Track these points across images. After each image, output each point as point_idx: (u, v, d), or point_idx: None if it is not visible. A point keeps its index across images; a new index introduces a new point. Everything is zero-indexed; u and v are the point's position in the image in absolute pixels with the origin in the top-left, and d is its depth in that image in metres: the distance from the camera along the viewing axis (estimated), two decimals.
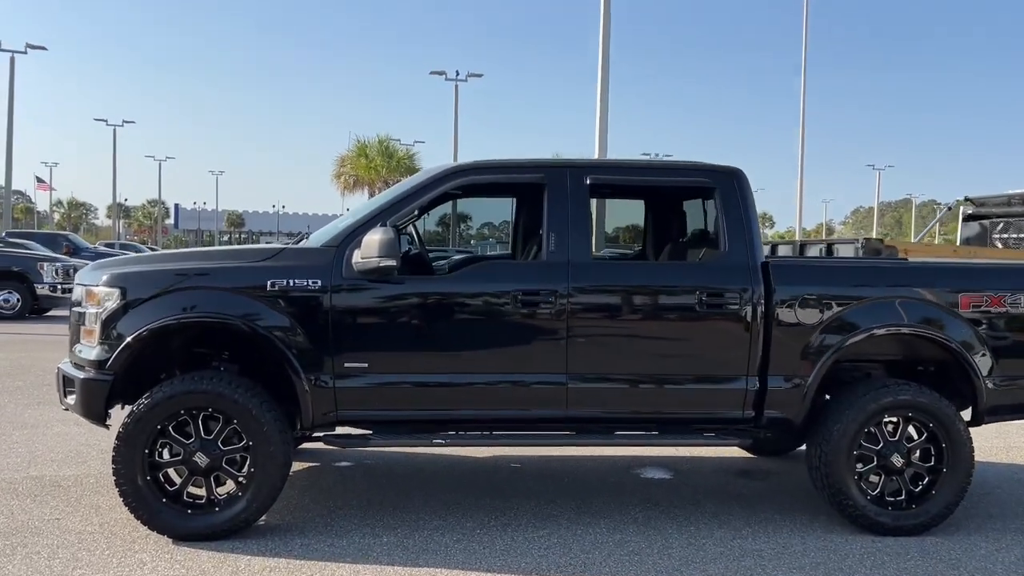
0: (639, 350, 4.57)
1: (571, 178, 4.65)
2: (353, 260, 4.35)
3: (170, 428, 4.27)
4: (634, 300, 4.58)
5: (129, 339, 4.25)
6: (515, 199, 6.34)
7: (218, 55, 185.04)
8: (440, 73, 39.32)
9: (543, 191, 4.64)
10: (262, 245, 5.38)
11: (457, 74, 39.25)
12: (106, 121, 52.62)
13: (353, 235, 4.45)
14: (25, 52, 33.47)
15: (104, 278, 4.41)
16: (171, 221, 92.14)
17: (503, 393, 4.47)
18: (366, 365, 4.39)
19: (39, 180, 66.35)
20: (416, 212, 4.83)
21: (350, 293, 4.37)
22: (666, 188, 5.38)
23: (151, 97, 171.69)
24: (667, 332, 4.58)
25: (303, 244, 4.80)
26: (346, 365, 4.37)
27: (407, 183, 4.82)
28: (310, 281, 4.34)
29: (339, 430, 4.59)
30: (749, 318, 4.53)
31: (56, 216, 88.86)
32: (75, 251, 25.32)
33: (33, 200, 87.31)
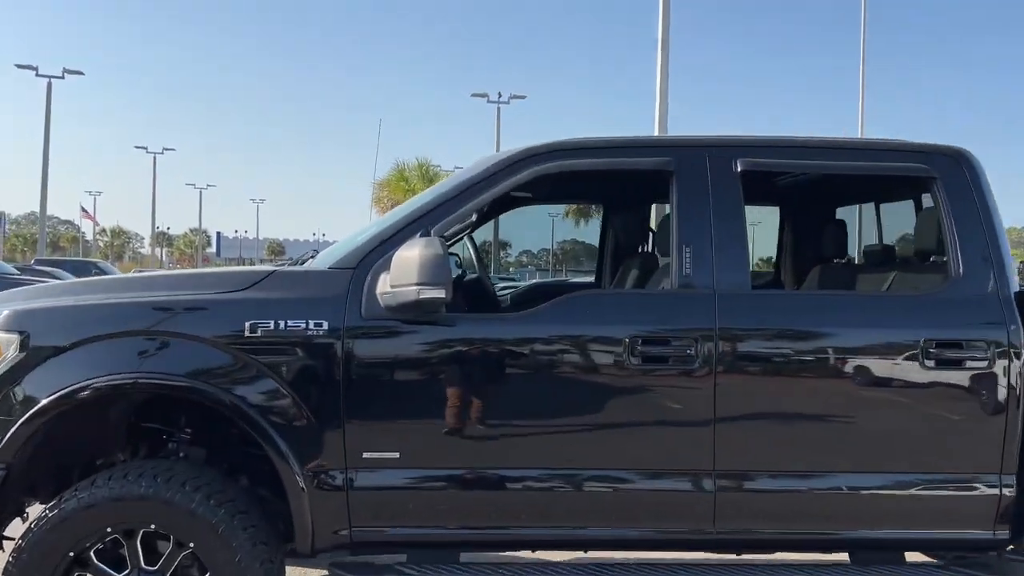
0: (827, 434, 2.91)
1: (714, 163, 3.03)
2: (379, 290, 2.77)
3: (92, 554, 2.71)
4: (821, 352, 2.90)
5: (28, 414, 2.72)
6: (603, 205, 4.75)
7: (257, 83, 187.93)
8: (482, 95, 38.09)
9: (669, 183, 3.03)
10: (244, 268, 3.81)
11: (499, 96, 38.02)
12: (146, 148, 52.54)
13: (378, 251, 2.87)
14: (62, 77, 33.04)
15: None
16: (212, 249, 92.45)
17: (613, 500, 2.84)
18: (397, 455, 2.80)
19: (84, 210, 66.87)
20: (474, 217, 3.26)
21: (374, 341, 2.80)
22: (847, 180, 3.73)
23: (193, 126, 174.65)
24: (870, 404, 2.91)
25: (306, 266, 3.23)
26: (366, 455, 2.78)
27: (460, 176, 3.22)
28: (311, 323, 2.77)
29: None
30: (1003, 382, 2.84)
31: (100, 244, 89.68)
32: None
33: (82, 229, 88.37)
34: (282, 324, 2.76)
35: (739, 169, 3.02)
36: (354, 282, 2.82)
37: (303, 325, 2.77)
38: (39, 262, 25.04)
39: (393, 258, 2.72)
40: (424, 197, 3.12)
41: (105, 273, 26.34)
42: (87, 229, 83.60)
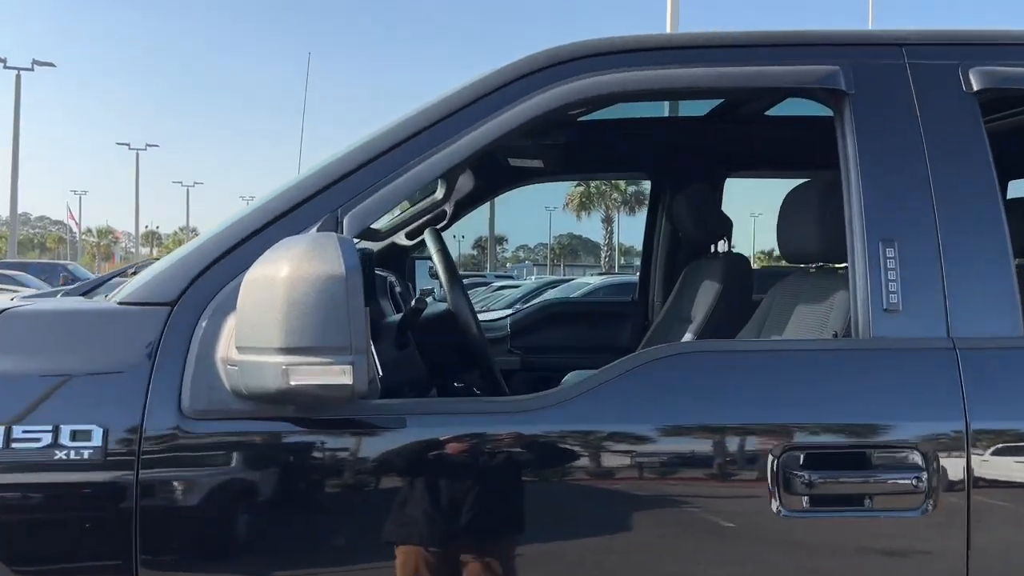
0: None
1: (924, 76, 1.48)
2: (220, 353, 1.23)
3: None
4: None
5: None
6: (652, 177, 3.20)
7: (242, 77, 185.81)
8: None
9: (838, 117, 1.48)
10: None
11: None
12: (128, 145, 50.73)
13: (222, 268, 1.32)
14: (32, 69, 31.07)
15: None
16: None
17: None
18: None
19: (70, 210, 65.35)
20: (439, 192, 1.70)
21: (210, 470, 1.25)
22: None
23: (190, 122, 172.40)
24: None
25: (75, 300, 1.66)
26: None
27: (415, 111, 1.61)
28: (66, 430, 1.23)
29: None
30: None
31: (88, 244, 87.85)
32: (73, 282, 22.68)
33: (73, 230, 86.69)
34: None
35: (975, 86, 1.47)
36: (169, 335, 1.28)
37: (47, 438, 1.22)
38: (2, 264, 23.34)
39: (243, 283, 1.18)
40: (340, 152, 1.55)
41: (75, 276, 24.59)
42: (77, 230, 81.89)
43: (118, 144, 53.59)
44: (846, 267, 1.71)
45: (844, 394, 1.32)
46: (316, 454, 1.26)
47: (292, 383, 1.09)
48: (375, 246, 2.63)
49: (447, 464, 1.28)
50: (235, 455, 1.25)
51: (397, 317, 1.72)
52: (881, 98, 1.46)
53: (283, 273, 1.09)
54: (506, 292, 14.21)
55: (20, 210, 34.31)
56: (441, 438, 1.28)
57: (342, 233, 1.30)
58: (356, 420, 1.26)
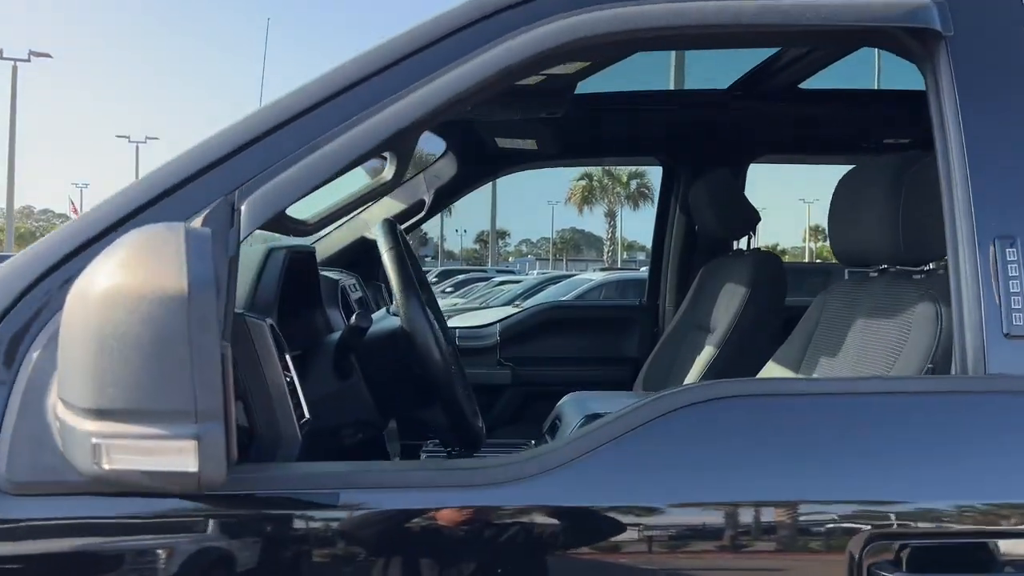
0: None
1: None
2: (51, 400, 0.84)
3: None
4: None
5: None
6: (665, 161, 2.79)
7: (242, 70, 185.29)
8: None
9: (931, 81, 1.08)
10: None
11: None
12: (128, 138, 50.23)
13: (54, 280, 0.92)
14: (28, 60, 30.84)
15: None
16: None
17: None
18: None
19: (72, 203, 65.22)
20: (388, 171, 1.30)
21: (34, 562, 0.86)
22: None
23: (183, 117, 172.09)
24: None
25: None
26: None
27: (347, 62, 1.19)
28: None
29: None
30: None
31: None
32: None
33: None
34: None
35: None
36: None
37: None
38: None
39: (71, 294, 0.79)
40: (245, 116, 1.14)
41: None
42: None
43: (118, 137, 53.08)
44: (923, 271, 1.33)
45: (953, 456, 0.93)
46: (193, 545, 0.87)
47: (106, 466, 0.70)
48: (340, 245, 2.25)
49: (391, 558, 0.89)
50: (73, 549, 0.86)
51: (336, 336, 1.34)
52: (990, 42, 1.07)
53: (97, 289, 0.70)
54: (507, 287, 13.83)
55: (23, 203, 33.96)
56: (382, 520, 0.89)
57: (239, 224, 0.91)
58: (257, 497, 0.87)
